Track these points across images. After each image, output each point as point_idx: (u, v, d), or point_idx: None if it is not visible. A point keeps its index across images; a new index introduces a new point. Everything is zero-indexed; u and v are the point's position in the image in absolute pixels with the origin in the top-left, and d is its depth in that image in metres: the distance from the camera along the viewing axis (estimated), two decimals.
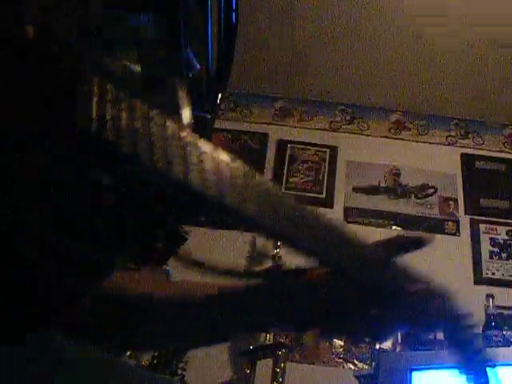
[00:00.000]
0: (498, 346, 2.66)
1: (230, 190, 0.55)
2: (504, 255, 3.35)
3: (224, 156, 0.57)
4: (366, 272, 0.66)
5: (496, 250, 3.36)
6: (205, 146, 0.56)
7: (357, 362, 2.96)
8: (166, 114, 0.55)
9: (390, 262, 0.70)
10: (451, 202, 3.53)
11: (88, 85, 0.50)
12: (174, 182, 0.51)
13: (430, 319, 0.73)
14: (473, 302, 3.03)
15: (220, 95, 2.40)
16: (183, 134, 0.55)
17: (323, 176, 3.61)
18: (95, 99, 0.49)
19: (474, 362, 0.82)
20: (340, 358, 2.98)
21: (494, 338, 2.71)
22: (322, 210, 3.46)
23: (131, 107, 0.52)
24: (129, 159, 0.49)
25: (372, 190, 3.56)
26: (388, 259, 0.70)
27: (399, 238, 0.74)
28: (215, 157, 0.56)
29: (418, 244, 0.75)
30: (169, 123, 0.53)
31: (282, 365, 2.71)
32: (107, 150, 0.49)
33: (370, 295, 0.68)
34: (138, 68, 0.65)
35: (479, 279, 3.25)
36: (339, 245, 0.64)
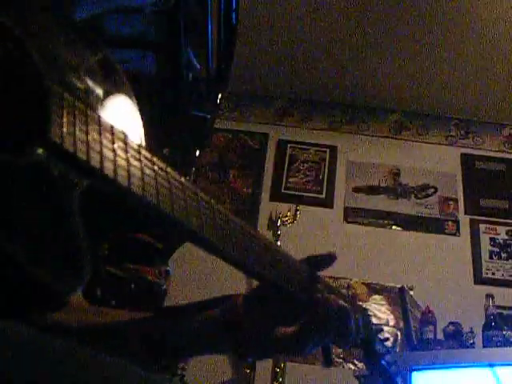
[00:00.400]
0: (497, 346, 2.66)
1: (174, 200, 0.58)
2: (504, 255, 3.35)
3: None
4: (299, 286, 0.73)
5: (496, 249, 3.36)
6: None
7: (357, 362, 2.96)
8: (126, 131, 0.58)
9: (316, 278, 0.77)
10: (451, 202, 3.53)
11: (59, 100, 0.52)
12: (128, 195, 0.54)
13: (349, 333, 0.77)
14: (473, 301, 3.03)
15: (220, 95, 2.40)
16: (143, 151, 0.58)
17: (323, 176, 3.61)
18: (66, 115, 0.51)
19: (386, 374, 0.90)
20: (340, 358, 2.98)
21: (493, 338, 2.71)
22: (321, 210, 3.46)
23: (99, 123, 0.54)
24: (95, 173, 0.51)
25: (372, 190, 3.56)
26: (314, 275, 0.77)
27: (313, 256, 0.80)
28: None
29: (329, 260, 0.81)
30: (129, 140, 0.57)
31: (282, 365, 2.71)
32: (76, 164, 0.51)
33: (297, 309, 0.74)
34: (100, 88, 0.68)
35: (479, 279, 3.25)
36: (276, 263, 0.71)
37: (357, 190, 3.56)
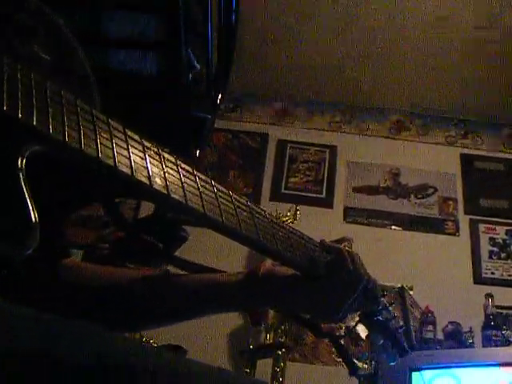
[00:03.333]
0: (497, 346, 2.67)
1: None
2: (503, 255, 3.35)
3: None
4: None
5: (495, 249, 3.36)
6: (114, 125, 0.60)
7: (356, 362, 2.96)
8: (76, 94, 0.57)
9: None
10: (451, 202, 3.53)
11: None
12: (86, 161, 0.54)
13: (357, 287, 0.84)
14: (472, 301, 3.03)
15: (220, 95, 2.40)
16: (97, 113, 0.58)
17: (323, 176, 3.61)
18: (5, 78, 0.51)
19: (394, 339, 0.97)
20: (340, 358, 2.97)
21: (493, 337, 2.71)
22: (321, 210, 3.46)
23: (43, 87, 0.53)
24: (39, 136, 0.51)
25: (372, 190, 3.56)
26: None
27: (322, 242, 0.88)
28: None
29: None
30: (79, 102, 0.56)
31: (282, 364, 2.71)
32: (19, 128, 0.50)
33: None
34: (46, 55, 0.68)
35: (479, 279, 3.25)
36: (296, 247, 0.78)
37: (357, 190, 3.56)
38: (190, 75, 1.87)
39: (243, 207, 0.70)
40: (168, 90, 1.87)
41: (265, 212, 0.76)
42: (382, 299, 0.94)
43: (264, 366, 2.78)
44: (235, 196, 0.70)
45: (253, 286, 0.82)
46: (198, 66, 1.92)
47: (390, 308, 0.94)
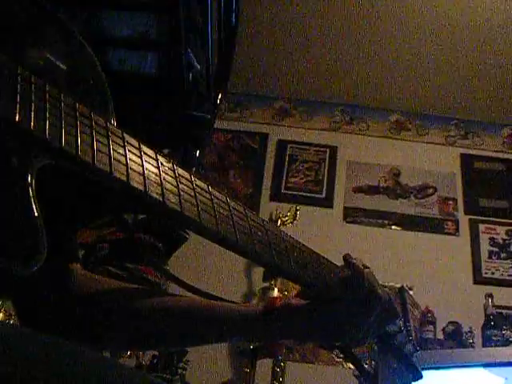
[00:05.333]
0: (497, 346, 2.67)
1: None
2: (503, 255, 3.35)
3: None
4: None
5: (495, 249, 3.36)
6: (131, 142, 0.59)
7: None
8: (91, 107, 0.57)
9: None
10: (451, 202, 3.53)
11: (12, 75, 0.51)
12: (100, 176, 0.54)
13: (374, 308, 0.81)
14: (472, 301, 3.04)
15: (220, 95, 2.39)
16: (111, 126, 0.57)
17: (323, 176, 3.61)
18: (19, 90, 0.50)
19: (409, 363, 0.94)
20: (340, 358, 2.98)
21: (493, 337, 2.71)
22: (321, 210, 3.46)
23: (56, 98, 0.53)
24: (51, 149, 0.50)
25: (372, 190, 3.56)
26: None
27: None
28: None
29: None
30: (94, 116, 0.56)
31: (282, 364, 2.71)
32: (31, 140, 0.50)
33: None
34: (62, 63, 0.67)
35: (478, 279, 3.25)
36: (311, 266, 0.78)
37: (356, 190, 3.56)
38: (190, 75, 1.87)
39: (258, 226, 0.70)
40: (168, 89, 1.87)
41: (280, 232, 0.75)
42: (399, 322, 0.92)
43: (264, 366, 2.78)
44: (251, 215, 0.70)
45: (270, 321, 0.81)
46: (198, 66, 1.92)
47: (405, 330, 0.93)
